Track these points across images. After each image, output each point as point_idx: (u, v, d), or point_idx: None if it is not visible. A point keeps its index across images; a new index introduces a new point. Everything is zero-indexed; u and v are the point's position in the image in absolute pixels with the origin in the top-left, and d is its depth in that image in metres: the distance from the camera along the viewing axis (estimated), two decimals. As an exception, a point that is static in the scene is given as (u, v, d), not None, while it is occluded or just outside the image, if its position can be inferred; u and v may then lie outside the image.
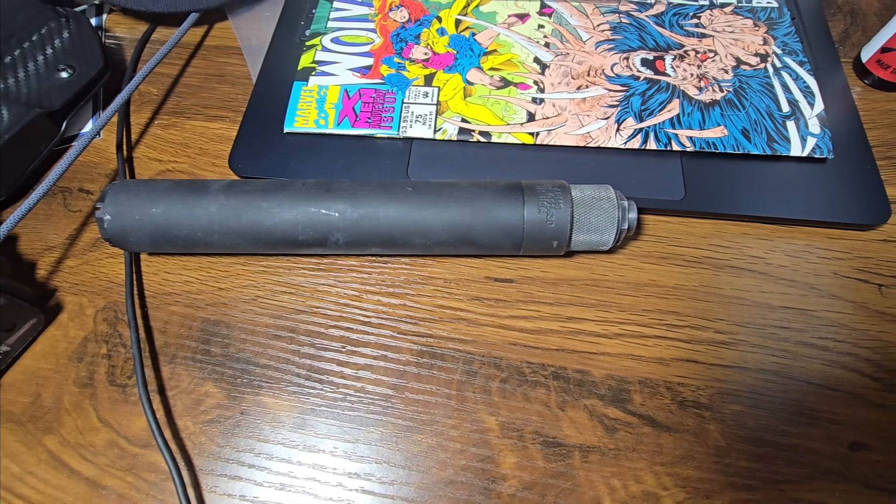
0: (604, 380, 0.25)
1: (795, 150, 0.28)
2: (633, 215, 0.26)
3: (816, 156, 0.28)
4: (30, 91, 0.30)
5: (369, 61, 0.32)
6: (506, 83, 0.31)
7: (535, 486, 0.23)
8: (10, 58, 0.30)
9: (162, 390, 0.25)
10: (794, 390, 0.25)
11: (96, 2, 0.37)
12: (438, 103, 0.31)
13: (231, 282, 0.28)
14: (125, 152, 0.32)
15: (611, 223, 0.25)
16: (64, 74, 0.31)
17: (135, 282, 0.28)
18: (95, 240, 0.29)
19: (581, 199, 0.25)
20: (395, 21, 0.34)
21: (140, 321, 0.27)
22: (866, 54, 0.32)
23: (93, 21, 0.37)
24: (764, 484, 0.23)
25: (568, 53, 0.32)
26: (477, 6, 0.34)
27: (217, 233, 0.25)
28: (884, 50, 0.31)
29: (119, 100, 0.30)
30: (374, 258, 0.28)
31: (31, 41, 0.31)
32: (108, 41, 0.36)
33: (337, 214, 0.25)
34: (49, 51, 0.32)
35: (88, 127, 0.33)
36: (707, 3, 0.34)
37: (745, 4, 0.34)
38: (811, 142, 0.28)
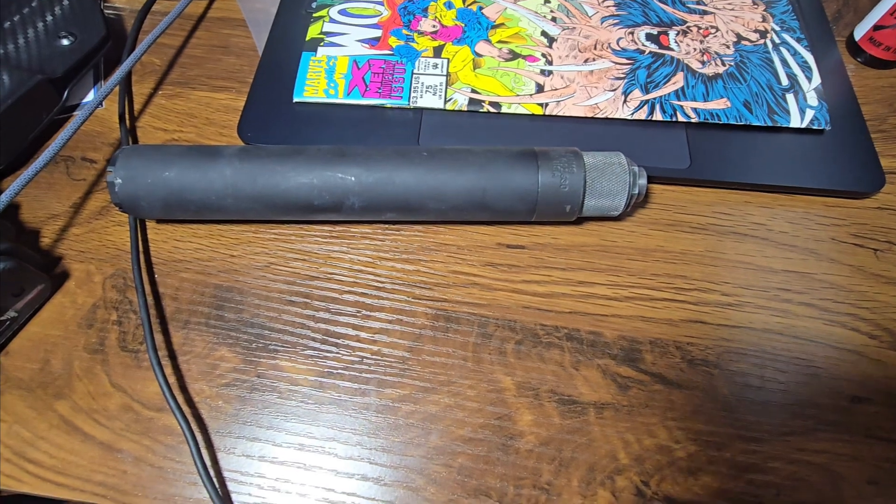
0: (616, 340, 0.26)
1: (795, 121, 0.29)
2: (642, 181, 0.26)
3: (815, 127, 0.29)
4: (30, 57, 0.30)
5: (377, 33, 0.32)
6: (514, 55, 0.31)
7: (551, 442, 0.23)
8: (9, 23, 0.30)
9: (176, 355, 0.25)
10: (798, 348, 0.25)
11: (94, -29, 0.37)
12: (448, 74, 0.31)
13: (243, 249, 0.28)
14: (129, 122, 0.32)
15: (622, 188, 0.26)
16: (65, 42, 0.30)
17: (143, 249, 0.28)
18: (101, 208, 0.29)
19: (593, 165, 0.26)
20: (402, -6, 0.34)
21: (150, 288, 0.27)
22: (859, 33, 0.33)
23: (91, -9, 0.36)
24: (770, 436, 0.24)
25: (574, 28, 0.33)
26: (483, -19, 0.35)
27: (231, 196, 0.25)
28: (876, 28, 0.32)
29: (124, 68, 0.30)
30: (386, 226, 0.28)
31: (30, 7, 0.31)
32: (107, 12, 0.36)
33: (353, 178, 0.25)
34: (49, 17, 0.31)
35: (90, 97, 0.33)
36: (707, -19, 0.35)
37: (743, -17, 0.35)
38: (809, 114, 0.29)
